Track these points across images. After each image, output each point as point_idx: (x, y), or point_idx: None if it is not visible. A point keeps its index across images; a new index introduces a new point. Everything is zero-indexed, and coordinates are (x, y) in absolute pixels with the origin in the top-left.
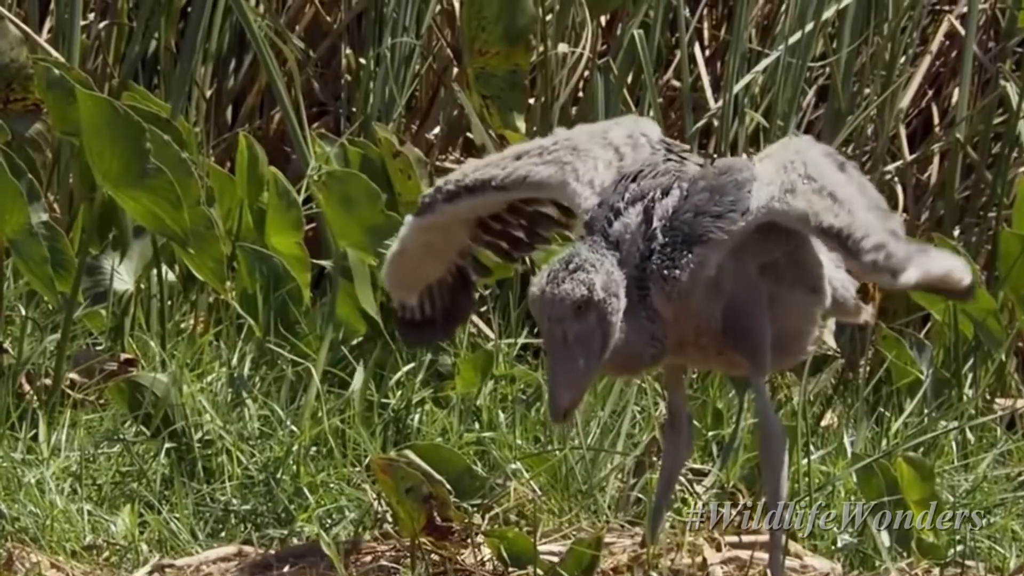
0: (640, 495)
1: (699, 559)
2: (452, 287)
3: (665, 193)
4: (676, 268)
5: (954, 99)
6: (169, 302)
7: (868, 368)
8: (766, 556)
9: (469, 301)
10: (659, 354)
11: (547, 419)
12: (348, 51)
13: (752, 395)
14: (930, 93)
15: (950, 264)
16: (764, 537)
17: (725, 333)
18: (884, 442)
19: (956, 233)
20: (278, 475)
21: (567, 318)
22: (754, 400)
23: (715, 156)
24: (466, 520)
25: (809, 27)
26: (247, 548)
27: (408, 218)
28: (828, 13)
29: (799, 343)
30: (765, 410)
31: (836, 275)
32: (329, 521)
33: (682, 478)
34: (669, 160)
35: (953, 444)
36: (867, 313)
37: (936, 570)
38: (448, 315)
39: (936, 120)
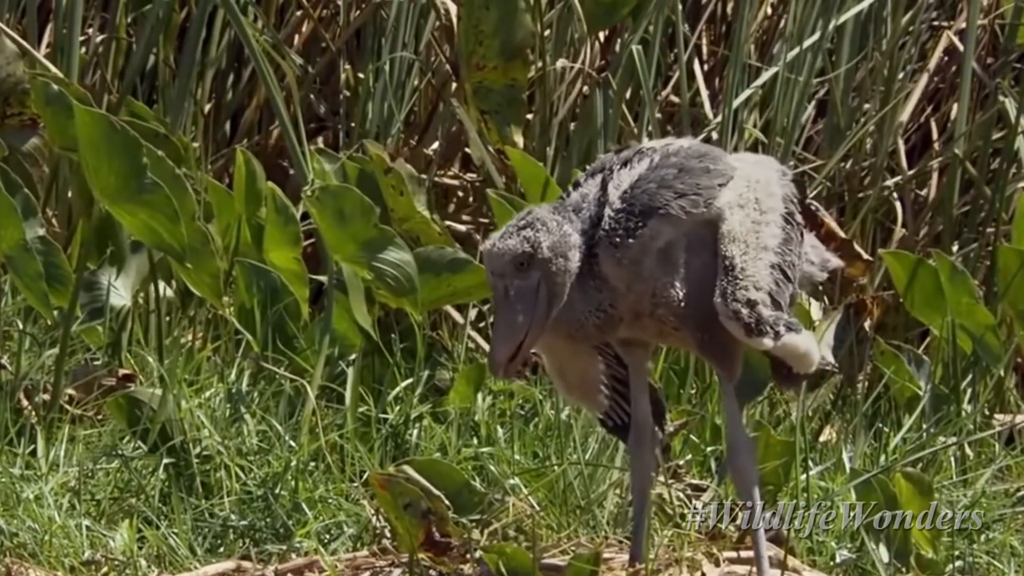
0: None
1: (698, 574)
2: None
3: (626, 164)
4: (628, 236)
5: (953, 114)
6: (167, 317)
7: (867, 383)
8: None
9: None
10: (606, 324)
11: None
12: (347, 66)
13: (723, 401)
14: (929, 108)
15: (811, 347)
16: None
17: (686, 320)
18: (883, 457)
19: (955, 248)
20: (276, 490)
21: (508, 273)
22: (724, 407)
23: None
24: (464, 535)
25: (808, 42)
26: (245, 563)
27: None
28: (828, 28)
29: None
30: (733, 418)
31: (808, 256)
32: (327, 536)
33: (680, 493)
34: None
35: (952, 459)
36: (835, 262)
37: None
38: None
39: (935, 135)
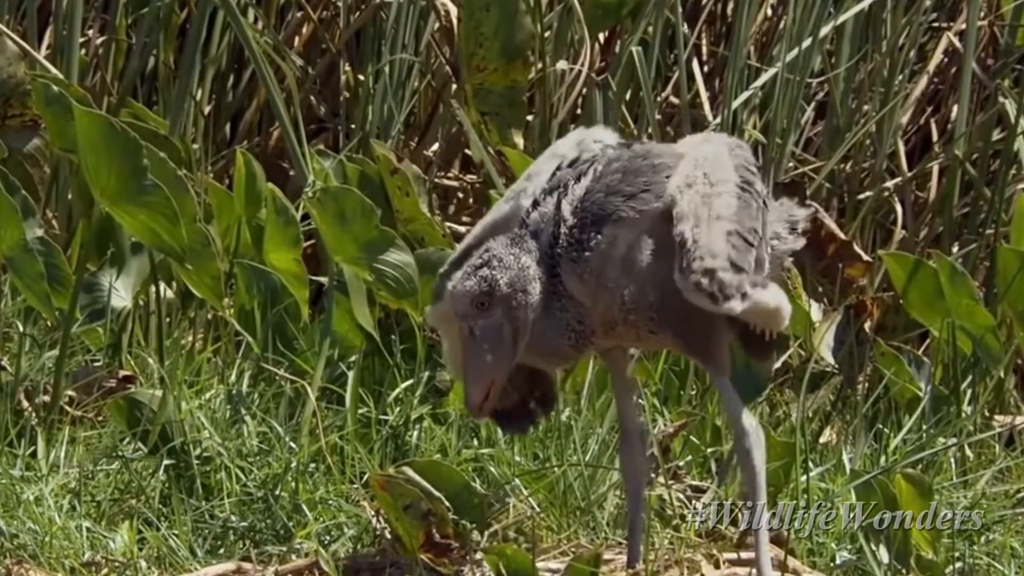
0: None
1: (697, 575)
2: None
3: (579, 179)
4: (584, 249)
5: (953, 116)
6: (167, 319)
7: (867, 385)
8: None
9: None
10: (581, 342)
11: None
12: (347, 68)
13: (719, 396)
14: (929, 110)
15: (781, 301)
16: None
17: (663, 322)
18: (883, 459)
19: (955, 249)
20: (277, 492)
21: (470, 314)
22: (721, 401)
23: None
24: (465, 537)
25: (807, 43)
26: (246, 564)
27: (427, 311)
28: (826, 30)
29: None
30: (734, 408)
31: (772, 230)
32: (328, 538)
33: (680, 495)
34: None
35: (952, 461)
36: (803, 213)
37: None
38: (543, 398)
39: (935, 137)
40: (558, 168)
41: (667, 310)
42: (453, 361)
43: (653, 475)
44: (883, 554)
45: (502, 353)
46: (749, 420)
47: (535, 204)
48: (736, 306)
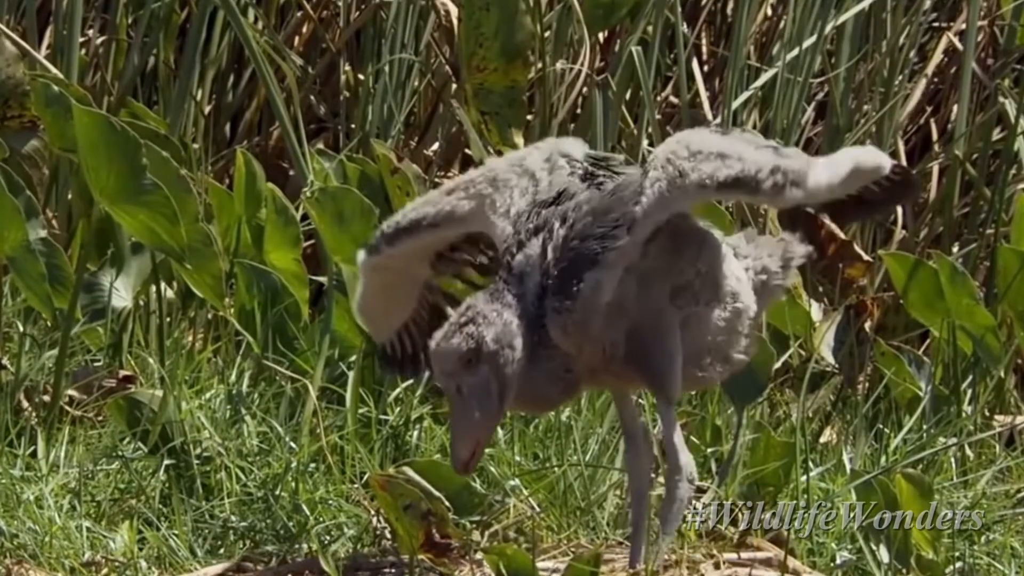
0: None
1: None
2: (429, 322)
3: (563, 221)
4: (568, 299)
5: (953, 116)
6: (168, 318)
7: (867, 384)
8: (765, 572)
9: None
10: (569, 388)
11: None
12: (347, 67)
13: (661, 422)
14: (929, 109)
15: (855, 153)
16: (764, 553)
17: (627, 359)
18: (883, 458)
19: (955, 249)
20: (277, 492)
21: (457, 372)
22: (662, 429)
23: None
24: (465, 537)
25: (808, 43)
26: (246, 564)
27: (360, 257)
28: (827, 29)
29: (726, 354)
30: (671, 440)
31: (759, 265)
32: (328, 538)
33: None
34: (595, 176)
35: (952, 461)
36: (802, 251)
37: None
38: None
39: (935, 136)
40: (535, 205)
41: (632, 348)
42: (364, 306)
43: (653, 475)
44: (883, 554)
45: (489, 409)
46: (685, 457)
47: (520, 244)
48: (820, 177)
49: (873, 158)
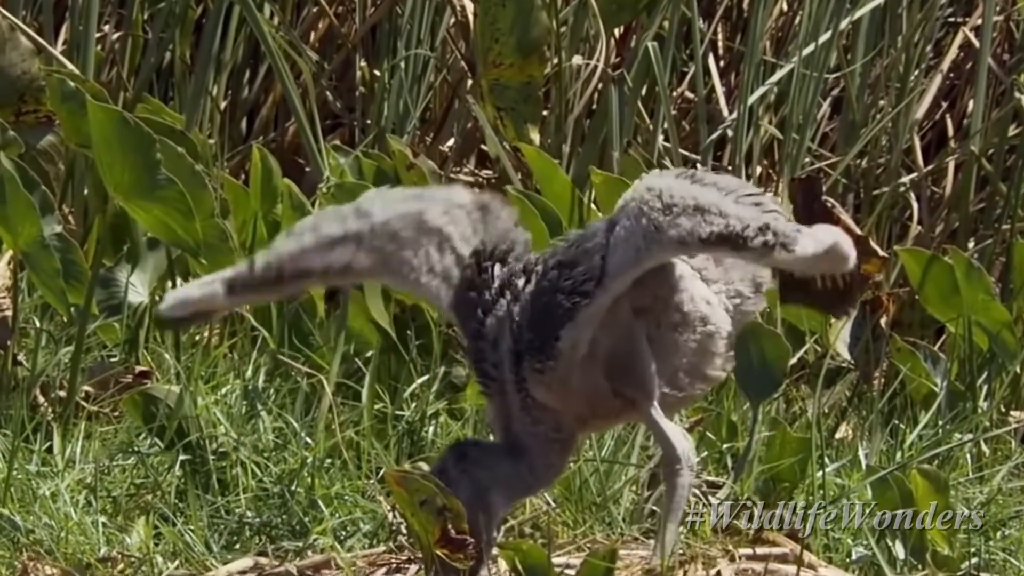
0: (655, 507)
1: (714, 571)
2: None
3: (525, 274)
4: (547, 358)
5: (969, 111)
6: None
7: (883, 380)
8: (781, 567)
9: None
10: (566, 447)
11: None
12: (362, 63)
13: (647, 424)
14: (945, 105)
15: (834, 234)
16: (779, 549)
17: (612, 387)
18: (899, 454)
19: (970, 245)
20: (292, 487)
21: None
22: (649, 428)
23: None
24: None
25: (823, 39)
26: (262, 560)
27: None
28: (843, 25)
29: (703, 372)
30: (662, 433)
31: (731, 290)
32: (343, 533)
33: (696, 490)
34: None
35: (968, 456)
36: (769, 276)
37: None
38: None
39: (951, 132)
40: (479, 260)
41: (613, 373)
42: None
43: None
44: (899, 550)
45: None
46: (681, 444)
47: (486, 309)
48: (808, 246)
49: (849, 250)
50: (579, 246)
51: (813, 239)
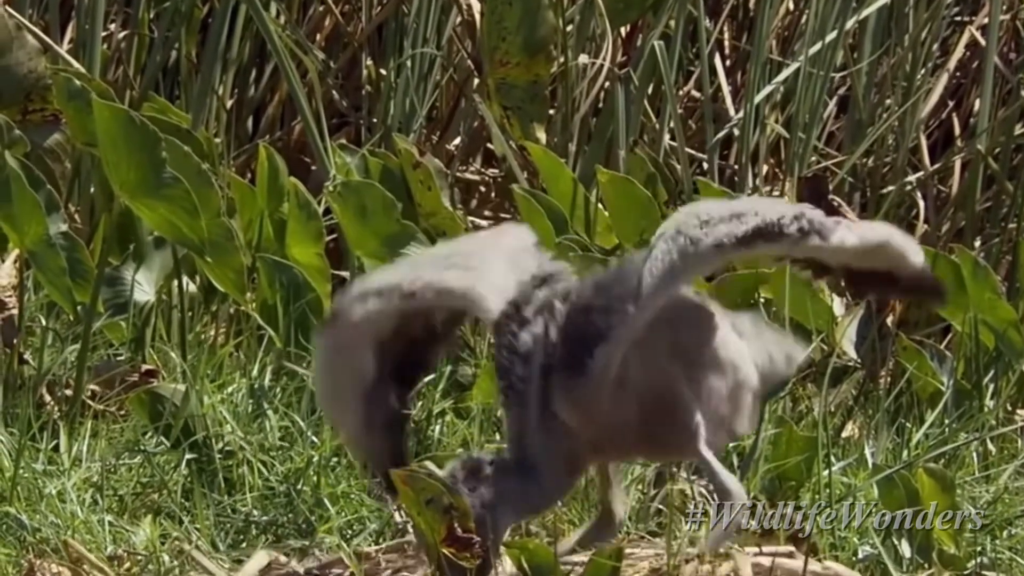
0: (661, 506)
1: (720, 568)
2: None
3: (564, 299)
4: (579, 375)
5: (975, 110)
6: (190, 313)
7: (889, 379)
8: (787, 562)
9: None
10: (577, 465)
11: None
12: (369, 62)
13: (701, 469)
14: (951, 104)
15: (889, 233)
16: (786, 547)
17: (644, 432)
18: (905, 453)
19: (977, 243)
20: (299, 486)
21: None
22: (700, 468)
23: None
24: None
25: (830, 38)
26: (281, 558)
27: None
28: (849, 24)
29: (730, 427)
30: (715, 475)
31: (764, 349)
32: (350, 532)
33: (702, 489)
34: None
35: (974, 455)
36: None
37: None
38: None
39: (957, 131)
40: (531, 281)
41: (652, 415)
42: (327, 394)
43: (676, 469)
44: (905, 548)
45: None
46: (737, 488)
47: (523, 322)
48: (846, 236)
49: (908, 244)
50: (618, 269)
51: (854, 233)
